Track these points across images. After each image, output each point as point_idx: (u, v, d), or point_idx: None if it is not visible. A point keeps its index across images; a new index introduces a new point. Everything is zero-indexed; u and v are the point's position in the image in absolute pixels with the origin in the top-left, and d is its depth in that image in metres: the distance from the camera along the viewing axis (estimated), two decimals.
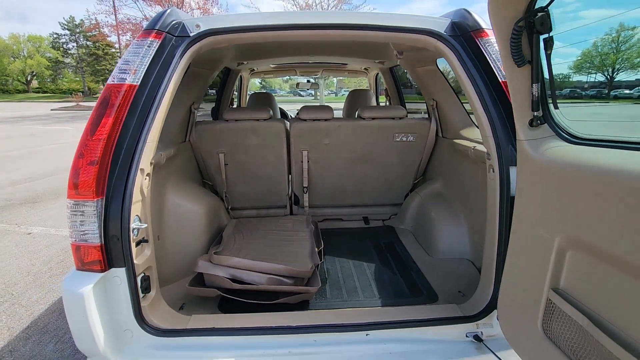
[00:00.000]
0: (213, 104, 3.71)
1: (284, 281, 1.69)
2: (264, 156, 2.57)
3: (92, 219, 1.22)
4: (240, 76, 4.48)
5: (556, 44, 0.95)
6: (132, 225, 1.27)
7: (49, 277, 3.15)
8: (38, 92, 51.24)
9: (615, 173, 0.79)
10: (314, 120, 2.46)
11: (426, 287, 1.85)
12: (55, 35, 50.51)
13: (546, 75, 1.02)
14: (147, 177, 1.38)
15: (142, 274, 1.37)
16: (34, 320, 2.57)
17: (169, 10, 1.44)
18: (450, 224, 2.15)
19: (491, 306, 1.41)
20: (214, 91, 3.64)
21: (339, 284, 1.89)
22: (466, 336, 1.40)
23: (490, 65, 1.43)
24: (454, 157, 2.27)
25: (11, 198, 5.44)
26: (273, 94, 4.85)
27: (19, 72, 49.79)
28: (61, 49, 50.65)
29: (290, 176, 2.72)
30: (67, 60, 51.84)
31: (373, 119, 2.47)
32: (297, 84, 6.27)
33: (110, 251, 1.25)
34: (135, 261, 1.29)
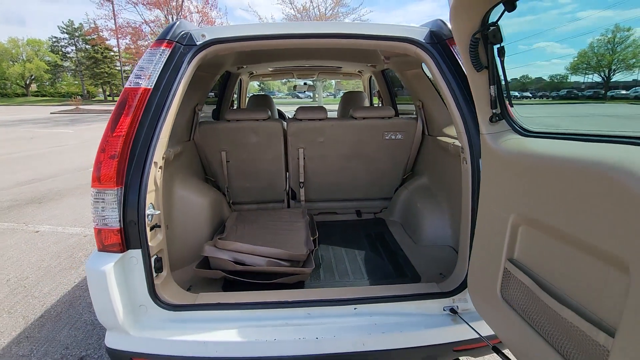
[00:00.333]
0: (213, 106, 3.90)
1: (281, 264, 1.87)
2: (263, 154, 2.75)
3: (113, 205, 1.38)
4: (240, 79, 4.67)
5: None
6: (147, 211, 1.43)
7: (59, 271, 3.31)
8: (37, 96, 51.32)
9: (553, 159, 0.96)
10: (309, 120, 2.65)
11: (410, 270, 2.02)
12: (54, 39, 50.66)
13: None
14: (160, 170, 1.55)
15: (156, 256, 1.53)
16: (47, 309, 2.73)
17: (178, 23, 1.61)
18: (434, 214, 2.33)
19: (466, 283, 1.58)
20: (212, 94, 3.82)
21: (332, 268, 2.07)
22: (443, 310, 1.57)
23: (462, 69, 1.61)
24: (437, 153, 2.45)
25: (17, 199, 5.60)
26: (272, 96, 5.04)
27: (18, 76, 49.87)
28: (60, 52, 50.74)
29: (287, 172, 2.90)
30: (66, 64, 51.95)
31: (364, 118, 2.65)
32: (295, 87, 6.45)
33: (128, 234, 1.42)
34: (150, 244, 1.45)
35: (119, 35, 24.98)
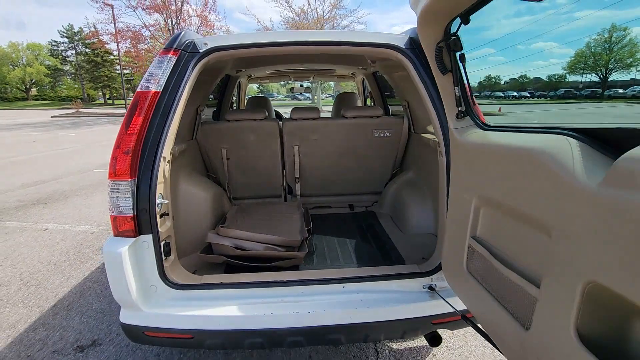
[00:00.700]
0: (213, 108, 4.09)
1: (277, 249, 2.06)
2: (260, 151, 2.94)
3: (127, 195, 1.56)
4: (239, 82, 4.87)
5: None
6: (157, 201, 1.61)
7: (68, 265, 3.49)
8: (37, 100, 51.57)
9: (500, 147, 1.15)
10: (303, 119, 2.84)
11: (396, 255, 2.21)
12: (54, 43, 50.93)
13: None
14: (168, 164, 1.73)
15: (164, 241, 1.71)
16: (59, 300, 2.91)
17: (183, 33, 1.80)
18: (418, 205, 2.52)
19: None
20: (211, 96, 4.02)
21: (324, 255, 2.25)
22: (422, 287, 1.75)
23: None
24: (422, 148, 2.64)
25: (23, 199, 5.77)
26: (270, 98, 5.24)
27: (18, 80, 50.13)
28: (60, 56, 51.04)
29: (284, 169, 3.09)
30: (66, 68, 52.23)
31: (354, 117, 2.85)
32: (292, 88, 6.66)
33: (140, 221, 1.59)
34: (159, 229, 1.64)
35: (119, 39, 25.14)
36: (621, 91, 1.71)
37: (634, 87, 1.62)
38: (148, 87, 1.65)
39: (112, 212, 1.59)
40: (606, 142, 0.83)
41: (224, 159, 2.94)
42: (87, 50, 46.80)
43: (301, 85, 6.44)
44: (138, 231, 1.60)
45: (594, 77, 1.77)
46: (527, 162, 0.99)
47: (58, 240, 4.11)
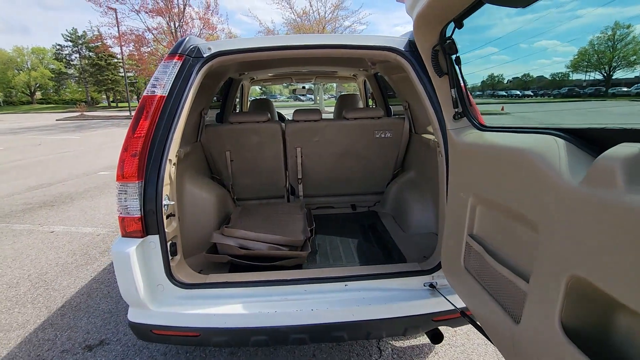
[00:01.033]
0: (216, 110, 4.14)
1: (281, 248, 2.10)
2: (264, 153, 2.99)
3: (134, 197, 1.60)
4: (242, 84, 4.92)
5: None
6: (164, 202, 1.66)
7: (75, 267, 3.54)
8: (42, 103, 52.05)
9: (494, 147, 1.18)
10: (305, 121, 2.88)
11: (398, 254, 2.24)
12: (58, 47, 51.37)
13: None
14: (174, 166, 1.77)
15: (171, 241, 1.75)
16: (67, 300, 2.96)
17: (187, 38, 1.84)
18: (419, 204, 2.55)
19: None
20: (214, 98, 4.07)
21: (327, 254, 2.28)
22: (423, 285, 1.78)
23: None
24: (422, 149, 2.68)
25: (30, 202, 5.85)
26: (273, 99, 5.29)
27: (23, 85, 50.59)
28: (64, 60, 51.44)
29: (286, 170, 3.13)
30: (70, 71, 52.62)
31: (355, 119, 2.89)
32: (294, 90, 6.71)
33: (147, 222, 1.63)
34: (166, 230, 1.68)
35: (122, 43, 25.34)
36: (625, 89, 1.68)
37: (638, 85, 1.61)
38: (154, 91, 1.69)
39: (120, 213, 1.63)
40: (593, 142, 0.86)
41: (227, 160, 2.99)
42: (91, 53, 47.26)
43: (303, 87, 6.49)
44: (145, 232, 1.64)
45: (598, 75, 1.73)
46: (516, 161, 1.03)
47: (65, 242, 4.17)
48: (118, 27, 24.27)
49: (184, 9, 24.81)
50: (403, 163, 3.17)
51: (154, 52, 25.97)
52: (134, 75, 37.47)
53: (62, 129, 20.57)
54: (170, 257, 1.72)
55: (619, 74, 1.66)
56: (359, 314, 1.66)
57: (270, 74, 4.45)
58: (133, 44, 25.50)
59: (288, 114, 6.08)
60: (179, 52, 1.77)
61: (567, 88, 2.11)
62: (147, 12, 24.18)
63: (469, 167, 1.34)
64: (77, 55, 50.82)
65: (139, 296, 1.62)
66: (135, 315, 1.68)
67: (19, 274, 3.41)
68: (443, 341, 1.90)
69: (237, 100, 5.08)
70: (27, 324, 2.65)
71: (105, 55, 42.94)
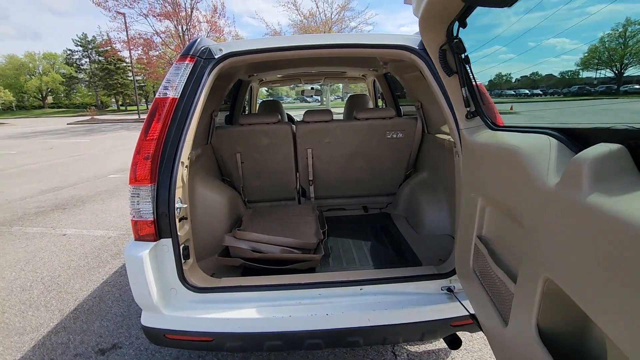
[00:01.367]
0: (226, 112, 4.13)
1: (294, 251, 2.07)
2: (274, 154, 2.96)
3: (147, 200, 1.59)
4: (251, 86, 4.91)
5: None
6: (176, 205, 1.64)
7: (87, 270, 3.56)
8: (53, 108, 52.97)
9: (500, 146, 1.13)
10: (316, 122, 2.85)
11: (412, 257, 2.19)
12: (68, 52, 52.23)
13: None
14: (186, 169, 1.75)
15: (183, 244, 1.73)
16: (79, 304, 2.97)
17: (198, 39, 1.83)
18: (434, 206, 2.50)
19: None
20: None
21: (340, 257, 2.25)
22: (441, 289, 1.73)
23: None
24: (436, 149, 2.62)
25: (42, 205, 5.91)
26: (280, 101, 5.27)
27: (35, 89, 51.52)
28: (75, 64, 52.31)
29: (297, 172, 3.10)
30: (80, 76, 53.51)
31: (366, 119, 2.85)
32: (302, 91, 6.68)
33: (160, 225, 1.61)
34: (178, 233, 1.66)
35: (131, 47, 25.63)
36: (637, 87, 1.65)
37: None
38: (166, 93, 1.67)
39: (133, 216, 1.62)
40: (585, 142, 0.84)
41: (238, 162, 2.97)
42: (100, 58, 47.96)
43: (312, 88, 6.46)
44: (158, 235, 1.62)
45: (609, 73, 1.68)
46: (510, 160, 1.02)
47: (77, 245, 4.19)
48: (127, 31, 24.56)
49: (192, 12, 25.03)
50: (415, 164, 3.12)
51: (162, 56, 26.24)
52: (143, 79, 37.92)
53: (73, 132, 20.86)
54: (183, 261, 1.70)
55: (631, 71, 1.62)
56: (375, 319, 1.62)
57: (279, 75, 4.43)
58: (141, 47, 25.78)
59: (295, 115, 6.06)
60: (191, 53, 1.75)
61: (577, 86, 2.11)
62: (155, 16, 24.43)
63: (479, 167, 1.30)
64: (87, 60, 51.66)
65: (152, 300, 1.60)
66: (148, 320, 1.66)
67: (32, 277, 3.43)
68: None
69: (246, 102, 5.07)
70: (40, 327, 2.66)
71: (114, 60, 43.58)
